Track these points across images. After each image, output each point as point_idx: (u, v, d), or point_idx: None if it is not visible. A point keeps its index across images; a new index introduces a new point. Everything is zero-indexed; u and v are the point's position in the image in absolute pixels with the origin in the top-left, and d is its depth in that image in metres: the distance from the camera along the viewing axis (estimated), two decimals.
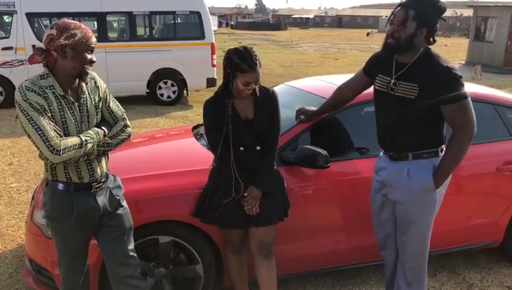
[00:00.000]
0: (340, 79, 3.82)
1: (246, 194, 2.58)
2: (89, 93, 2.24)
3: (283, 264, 3.02)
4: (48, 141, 2.00)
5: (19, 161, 6.10)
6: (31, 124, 2.00)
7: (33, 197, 3.21)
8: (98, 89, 2.29)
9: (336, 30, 61.71)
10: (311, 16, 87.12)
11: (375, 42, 34.37)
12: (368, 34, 45.36)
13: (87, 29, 2.13)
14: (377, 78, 2.62)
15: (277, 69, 16.78)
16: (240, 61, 2.44)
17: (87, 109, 2.21)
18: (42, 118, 2.01)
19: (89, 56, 2.12)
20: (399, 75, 2.48)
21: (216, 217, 2.66)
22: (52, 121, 2.06)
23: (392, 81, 2.51)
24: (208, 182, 2.72)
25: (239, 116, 2.56)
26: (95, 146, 2.19)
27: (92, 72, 2.28)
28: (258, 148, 2.59)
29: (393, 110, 2.54)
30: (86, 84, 2.24)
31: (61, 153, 2.01)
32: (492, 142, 3.33)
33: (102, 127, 2.25)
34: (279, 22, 67.39)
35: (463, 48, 24.15)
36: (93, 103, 2.25)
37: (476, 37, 20.60)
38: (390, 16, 2.47)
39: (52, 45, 2.07)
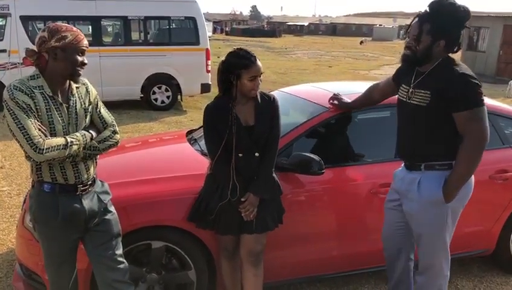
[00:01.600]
0: (334, 86, 3.86)
1: (243, 199, 2.57)
2: (79, 97, 2.26)
3: (276, 271, 3.02)
4: (31, 140, 2.01)
5: (11, 164, 6.05)
6: (15, 122, 2.03)
7: (25, 200, 3.18)
8: (89, 94, 2.32)
9: (330, 38, 62.01)
10: (306, 24, 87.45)
11: (369, 50, 34.61)
12: (361, 42, 45.64)
13: (79, 32, 2.16)
14: (401, 88, 2.62)
15: (271, 75, 16.82)
16: (239, 60, 2.48)
17: (75, 111, 2.22)
18: (27, 117, 2.03)
19: (80, 58, 2.15)
20: (416, 83, 2.48)
21: (211, 222, 2.65)
22: (38, 121, 2.07)
23: (410, 90, 2.50)
24: (203, 187, 2.71)
25: (240, 121, 2.56)
26: (81, 149, 2.19)
27: (84, 78, 2.32)
28: (257, 154, 2.59)
29: (409, 119, 2.54)
30: (78, 88, 2.26)
31: (44, 152, 2.02)
32: (485, 151, 3.35)
33: (90, 131, 2.27)
34: (274, 29, 67.59)
35: (456, 57, 24.34)
36: (83, 106, 2.26)
37: (469, 46, 20.81)
38: (408, 26, 2.46)
39: (43, 47, 2.11)
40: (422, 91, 2.42)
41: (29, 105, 2.05)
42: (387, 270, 2.93)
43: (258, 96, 2.60)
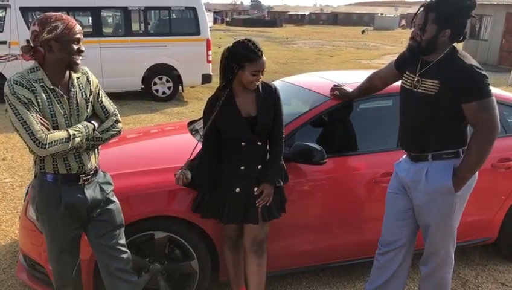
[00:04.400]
0: (336, 75, 3.84)
1: (256, 192, 2.58)
2: (79, 87, 2.24)
3: (279, 261, 3.02)
4: (34, 135, 2.00)
5: (13, 156, 6.06)
6: (17, 118, 2.02)
7: (27, 192, 3.19)
8: (90, 84, 2.30)
9: (331, 27, 61.69)
10: (307, 13, 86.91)
11: (371, 40, 34.42)
12: (363, 31, 45.37)
13: (69, 20, 2.12)
14: (404, 75, 2.59)
15: (272, 66, 16.75)
16: (246, 51, 2.45)
17: (77, 102, 2.21)
18: (29, 112, 2.02)
19: (75, 46, 2.12)
20: (422, 72, 2.45)
21: (216, 213, 2.66)
22: (39, 115, 2.06)
23: (416, 78, 2.48)
24: None
25: (241, 113, 2.55)
26: (84, 140, 2.19)
27: (84, 67, 2.31)
28: (260, 143, 2.60)
29: (415, 108, 2.50)
30: (78, 78, 2.25)
31: (47, 146, 2.02)
32: None
33: (92, 121, 2.26)
34: (275, 18, 67.22)
35: (458, 45, 24.20)
36: (84, 97, 2.25)
37: (471, 35, 20.66)
38: (414, 17, 2.43)
39: (37, 41, 2.09)
40: (430, 80, 2.40)
41: (30, 99, 2.04)
42: (379, 264, 2.82)
43: (260, 87, 2.59)
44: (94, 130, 2.24)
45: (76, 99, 2.21)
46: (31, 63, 2.16)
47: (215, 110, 2.55)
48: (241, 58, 2.45)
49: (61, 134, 2.08)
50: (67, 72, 2.19)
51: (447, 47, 2.41)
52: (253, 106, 2.58)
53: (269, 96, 2.60)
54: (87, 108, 2.26)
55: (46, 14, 2.12)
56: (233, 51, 2.48)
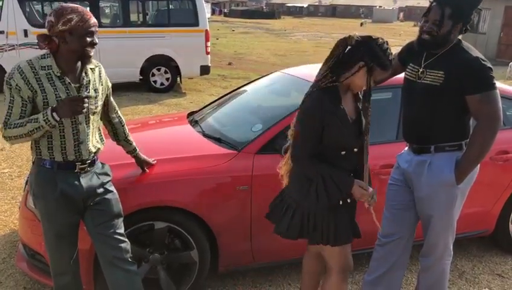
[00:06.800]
0: None
1: (367, 198, 2.30)
2: (92, 78, 2.30)
3: (278, 251, 3.04)
4: (7, 117, 2.15)
5: (11, 146, 6.05)
6: (6, 100, 2.16)
7: (27, 182, 3.19)
8: (101, 78, 2.37)
9: (330, 19, 61.51)
10: (305, 5, 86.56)
11: (369, 32, 34.31)
12: (361, 24, 45.29)
13: (85, 12, 2.15)
14: (408, 67, 2.59)
15: (271, 58, 16.72)
16: (384, 56, 2.16)
17: (88, 91, 2.24)
18: (13, 99, 2.13)
19: (88, 39, 2.15)
20: (427, 64, 2.45)
21: (326, 234, 2.32)
22: (26, 104, 2.13)
23: (421, 70, 2.48)
24: (300, 195, 2.33)
25: (348, 117, 2.25)
26: (46, 128, 2.12)
27: (97, 61, 2.37)
28: (356, 150, 2.30)
29: (418, 100, 2.49)
30: (92, 69, 2.30)
31: (5, 134, 2.16)
32: None
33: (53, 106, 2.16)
34: (273, 10, 67.03)
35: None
36: (94, 88, 2.29)
37: (470, 27, 20.65)
38: (427, 11, 2.41)
39: (52, 31, 2.13)
40: (435, 71, 2.40)
41: (20, 89, 2.10)
42: (378, 255, 2.81)
43: None
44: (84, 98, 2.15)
45: (88, 89, 2.25)
46: (28, 54, 2.19)
47: (326, 115, 2.18)
48: (376, 60, 2.14)
49: (19, 131, 2.14)
50: (79, 62, 2.23)
51: (454, 40, 2.41)
52: (352, 108, 2.31)
53: (365, 98, 2.35)
54: (95, 98, 2.29)
55: (63, 5, 2.15)
56: (369, 47, 2.15)
